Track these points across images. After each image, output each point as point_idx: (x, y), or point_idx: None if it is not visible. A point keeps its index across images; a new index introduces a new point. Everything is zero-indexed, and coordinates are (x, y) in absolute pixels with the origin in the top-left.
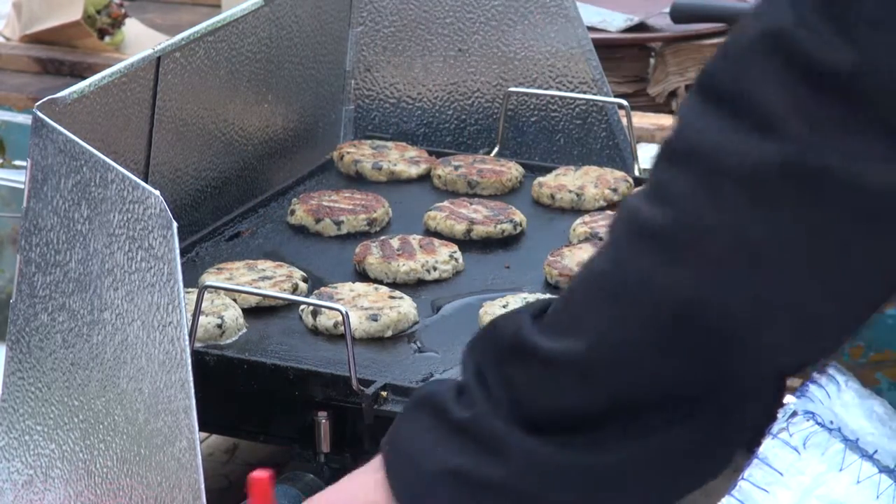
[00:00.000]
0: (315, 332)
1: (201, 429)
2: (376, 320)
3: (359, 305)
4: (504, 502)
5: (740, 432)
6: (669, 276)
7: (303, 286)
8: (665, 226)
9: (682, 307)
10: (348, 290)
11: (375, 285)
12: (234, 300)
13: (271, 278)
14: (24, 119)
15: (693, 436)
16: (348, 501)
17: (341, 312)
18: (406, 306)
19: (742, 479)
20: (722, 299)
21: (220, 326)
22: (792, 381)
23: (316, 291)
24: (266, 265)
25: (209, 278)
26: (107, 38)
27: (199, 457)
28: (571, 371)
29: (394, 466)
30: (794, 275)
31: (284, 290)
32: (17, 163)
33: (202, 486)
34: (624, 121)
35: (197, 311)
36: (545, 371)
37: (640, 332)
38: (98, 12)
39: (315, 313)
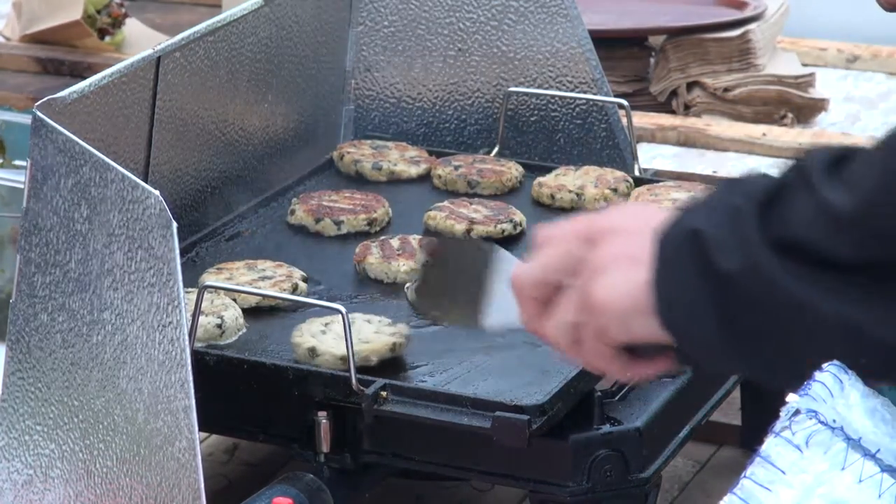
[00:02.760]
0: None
1: (201, 429)
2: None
3: None
4: (716, 291)
5: None
6: None
7: (303, 286)
8: None
9: None
10: None
11: None
12: (234, 300)
13: (271, 278)
14: (23, 119)
15: None
16: (630, 217)
17: (341, 313)
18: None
19: (744, 477)
20: None
21: (219, 326)
22: None
23: None
24: (266, 265)
25: (209, 278)
26: (107, 38)
27: (199, 457)
28: (836, 220)
29: (674, 215)
30: None
31: (284, 290)
32: (17, 163)
33: (202, 486)
34: (624, 120)
35: (197, 311)
36: (817, 210)
37: None
38: (98, 12)
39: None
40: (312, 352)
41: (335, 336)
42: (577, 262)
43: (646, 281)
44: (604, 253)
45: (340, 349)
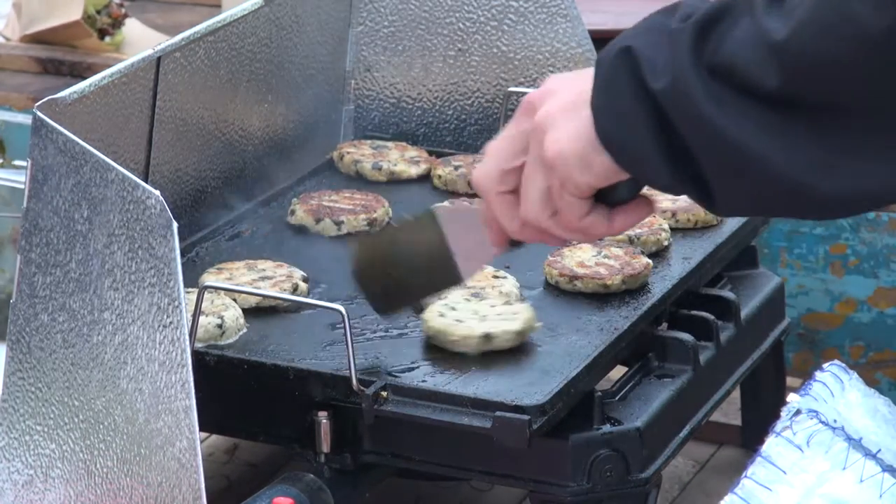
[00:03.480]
0: (420, 309)
1: (201, 429)
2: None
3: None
4: (648, 107)
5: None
6: (874, 13)
7: (303, 286)
8: None
9: (872, 44)
10: None
11: None
12: (234, 300)
13: (271, 278)
14: (24, 119)
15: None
16: (571, 77)
17: (341, 313)
18: (508, 285)
19: (745, 477)
20: None
21: (220, 326)
22: (795, 380)
23: None
24: (266, 265)
25: (209, 278)
26: (107, 39)
27: (200, 457)
28: (768, 48)
29: (609, 44)
30: None
31: (284, 289)
32: (17, 163)
33: (202, 486)
34: None
35: (197, 311)
36: (753, 36)
37: (829, 47)
38: (98, 12)
39: None
40: (487, 338)
41: (472, 314)
42: (527, 137)
43: (589, 116)
44: (545, 112)
45: (510, 326)
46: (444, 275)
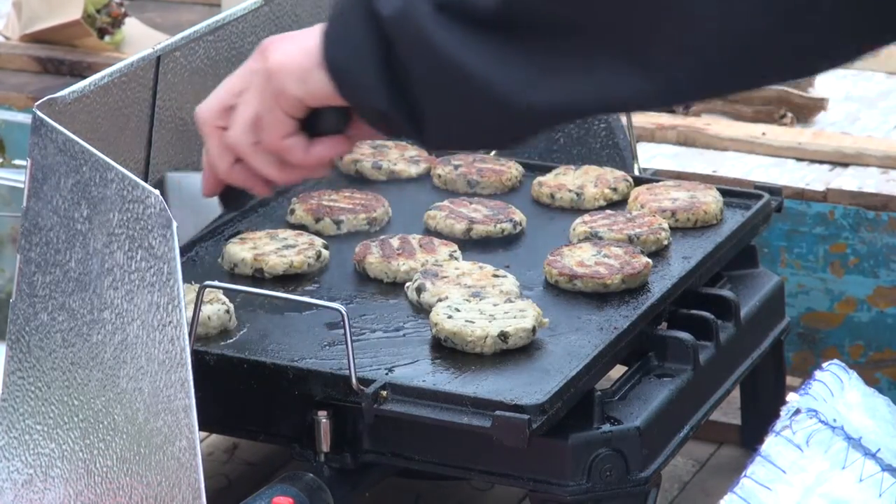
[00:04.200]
0: (419, 308)
1: (201, 428)
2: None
3: (463, 283)
4: (375, 33)
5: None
6: None
7: (325, 254)
8: None
9: None
10: (453, 268)
11: (480, 264)
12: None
13: (294, 246)
14: (23, 118)
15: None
16: (297, 40)
17: (340, 312)
18: (508, 284)
19: (745, 476)
20: None
21: (228, 312)
22: (794, 380)
23: (422, 269)
24: (287, 234)
25: (232, 248)
26: (107, 38)
27: (199, 456)
28: None
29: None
30: None
31: (309, 257)
32: (17, 162)
33: (202, 486)
34: (623, 120)
35: (197, 311)
36: None
37: None
38: (98, 11)
39: (419, 290)
40: (503, 337)
41: (479, 314)
42: (253, 75)
43: (318, 41)
44: (273, 48)
45: (522, 324)
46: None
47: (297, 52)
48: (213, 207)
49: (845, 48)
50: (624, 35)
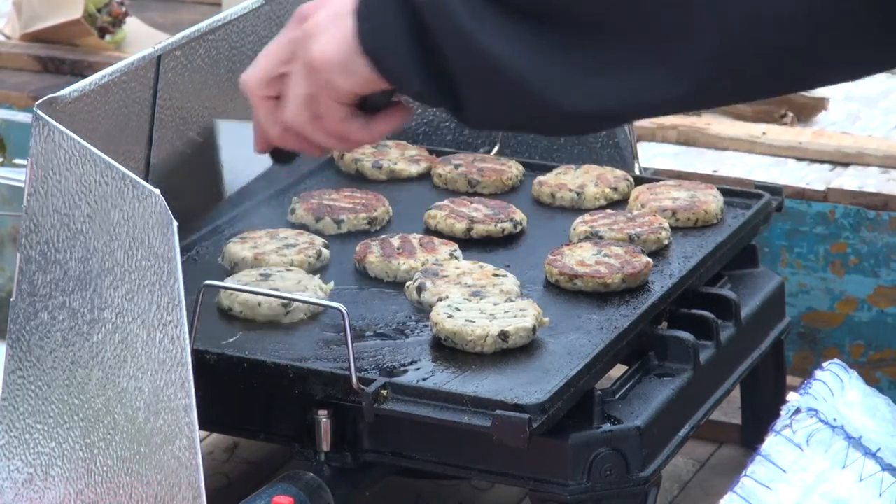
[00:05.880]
0: (420, 308)
1: (201, 427)
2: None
3: (463, 283)
4: (408, 19)
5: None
6: None
7: (326, 253)
8: None
9: None
10: (454, 267)
11: (481, 263)
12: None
13: (294, 246)
14: (24, 117)
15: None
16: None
17: (341, 312)
18: (509, 283)
19: (745, 475)
20: None
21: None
22: (795, 379)
23: (422, 268)
24: (287, 233)
25: (233, 247)
26: (107, 37)
27: (199, 455)
28: None
29: None
30: None
31: (309, 256)
32: (18, 161)
33: (202, 485)
34: None
35: (197, 310)
36: None
37: None
38: (99, 10)
39: (420, 290)
40: (503, 336)
41: (479, 313)
42: (295, 44)
43: (353, 24)
44: (312, 22)
45: (523, 323)
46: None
47: (334, 44)
48: (264, 158)
49: (880, 60)
50: (656, 33)
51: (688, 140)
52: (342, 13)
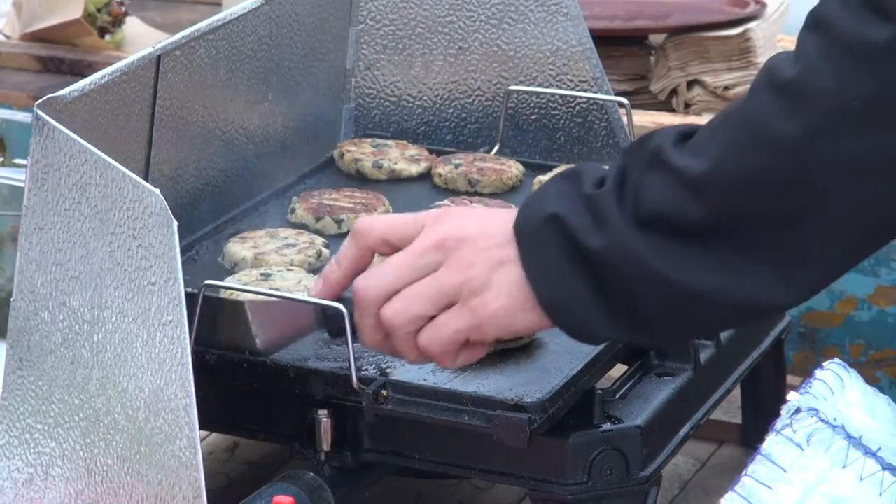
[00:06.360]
0: None
1: (201, 427)
2: None
3: None
4: (585, 267)
5: (815, 266)
6: (786, 121)
7: (326, 253)
8: (791, 79)
9: (789, 151)
10: None
11: None
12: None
13: (294, 246)
14: (24, 117)
15: (769, 259)
16: (481, 223)
17: (341, 311)
18: None
19: (745, 475)
20: (822, 152)
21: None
22: (795, 379)
23: None
24: (287, 233)
25: (232, 246)
26: (107, 37)
27: (200, 455)
28: (688, 184)
29: (521, 209)
30: (886, 137)
31: (309, 256)
32: (18, 161)
33: (202, 485)
34: (624, 119)
35: (197, 310)
36: (669, 180)
37: (751, 163)
38: (98, 10)
39: None
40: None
41: None
42: (432, 270)
43: (521, 277)
44: (466, 259)
45: None
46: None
47: (501, 300)
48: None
49: None
50: (790, 248)
51: None
52: (504, 261)
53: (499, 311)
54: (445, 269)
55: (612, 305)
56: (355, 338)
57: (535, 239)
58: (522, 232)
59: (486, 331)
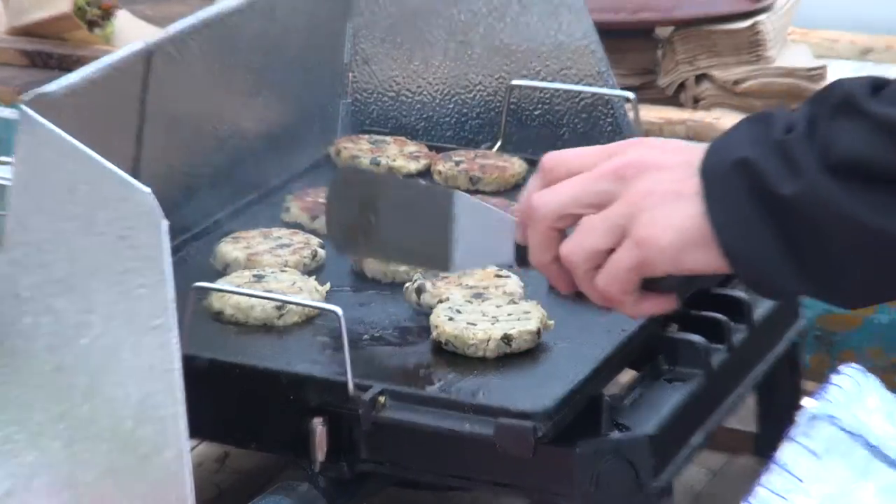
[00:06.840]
0: (419, 310)
1: (191, 436)
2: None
3: (464, 284)
4: (774, 214)
5: None
6: None
7: (321, 253)
8: None
9: None
10: None
11: None
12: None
13: (289, 246)
14: (10, 113)
15: None
16: (664, 154)
17: (337, 314)
18: (512, 285)
19: (759, 485)
20: None
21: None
22: (811, 384)
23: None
24: (281, 233)
25: (225, 247)
26: (96, 31)
27: (189, 466)
28: (892, 131)
29: (708, 152)
30: None
31: (304, 257)
32: (2, 158)
33: (192, 496)
34: (631, 114)
35: (187, 313)
36: (869, 127)
37: None
38: (88, 4)
39: (419, 291)
40: (506, 340)
41: (482, 316)
42: (608, 197)
43: (697, 213)
44: (642, 189)
45: (527, 326)
46: (431, 255)
47: (669, 229)
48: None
49: None
50: None
51: (697, 135)
52: (683, 194)
53: (661, 238)
54: (621, 199)
55: (802, 258)
56: (351, 342)
57: (723, 183)
58: (708, 175)
59: (654, 265)
